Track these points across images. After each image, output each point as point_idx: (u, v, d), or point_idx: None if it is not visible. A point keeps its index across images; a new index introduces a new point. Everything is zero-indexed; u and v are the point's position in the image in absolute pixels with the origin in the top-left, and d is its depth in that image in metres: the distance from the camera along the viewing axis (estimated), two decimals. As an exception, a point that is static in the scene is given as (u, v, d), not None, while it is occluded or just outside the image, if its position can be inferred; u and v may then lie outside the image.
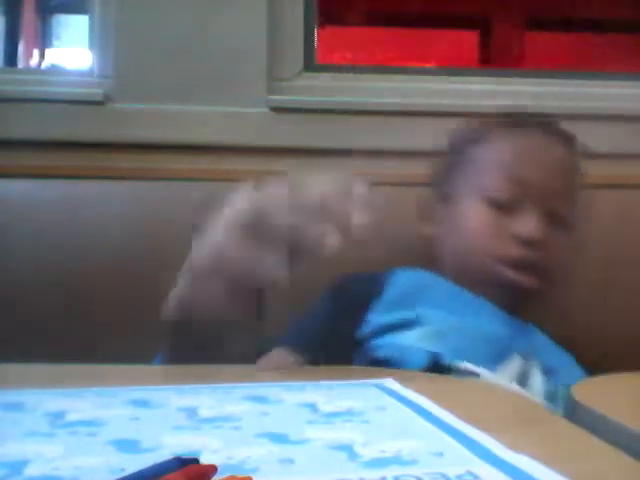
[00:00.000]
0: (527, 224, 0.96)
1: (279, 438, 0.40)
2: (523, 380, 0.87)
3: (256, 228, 0.61)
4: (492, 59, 5.50)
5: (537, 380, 0.88)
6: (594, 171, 0.97)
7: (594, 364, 0.83)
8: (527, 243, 0.95)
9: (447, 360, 0.82)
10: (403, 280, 0.97)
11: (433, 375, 0.65)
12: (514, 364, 0.89)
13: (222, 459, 0.37)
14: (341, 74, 1.39)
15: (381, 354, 0.88)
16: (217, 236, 0.64)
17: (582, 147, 1.00)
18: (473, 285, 0.97)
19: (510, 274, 0.95)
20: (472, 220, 0.99)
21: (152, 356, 0.75)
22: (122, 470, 0.35)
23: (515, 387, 0.82)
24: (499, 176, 0.99)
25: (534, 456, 0.36)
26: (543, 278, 0.97)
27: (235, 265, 0.63)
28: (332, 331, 0.94)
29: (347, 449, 0.38)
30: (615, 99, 1.38)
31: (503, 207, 0.97)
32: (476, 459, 0.37)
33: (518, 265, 0.95)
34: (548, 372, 0.89)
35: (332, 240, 0.59)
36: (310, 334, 0.94)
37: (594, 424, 0.44)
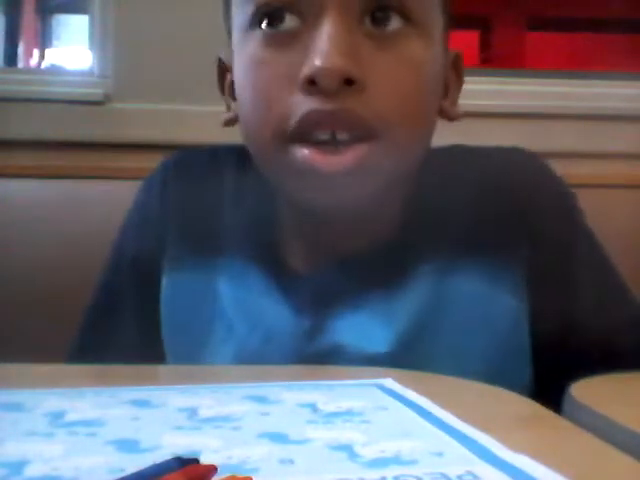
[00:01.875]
0: (315, 48, 0.58)
1: (279, 438, 0.40)
2: None
3: None
4: (492, 59, 5.51)
5: None
6: (591, 171, 0.97)
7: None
8: (317, 84, 0.58)
9: None
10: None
11: (433, 375, 0.65)
12: None
13: (222, 459, 0.37)
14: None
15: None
16: None
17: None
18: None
19: (303, 155, 0.60)
20: (244, 70, 0.64)
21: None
22: (122, 470, 0.35)
23: None
24: None
25: (534, 456, 0.36)
26: (370, 144, 0.61)
27: None
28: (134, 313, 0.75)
29: (347, 449, 0.38)
30: (615, 99, 1.38)
31: (286, 35, 0.61)
32: (476, 459, 0.37)
33: (308, 131, 0.60)
34: None
35: None
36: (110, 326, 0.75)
37: (594, 424, 0.44)
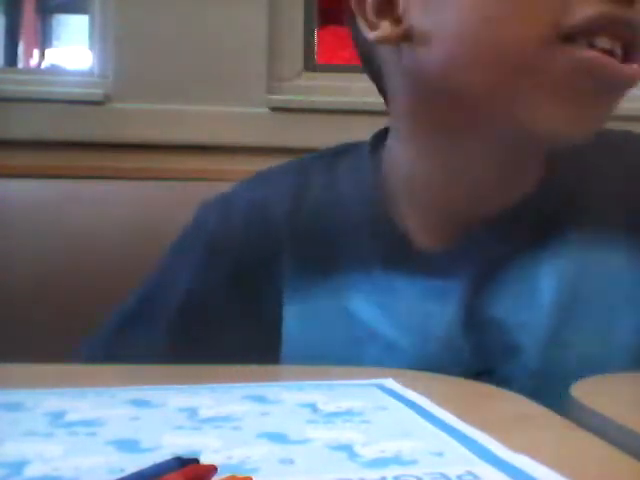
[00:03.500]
0: None
1: (279, 438, 0.40)
2: None
3: None
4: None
5: None
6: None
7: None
8: None
9: None
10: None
11: (433, 375, 0.65)
12: None
13: (222, 459, 0.37)
14: (341, 74, 1.39)
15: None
16: None
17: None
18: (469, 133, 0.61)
19: (587, 56, 0.55)
20: None
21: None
22: (122, 470, 0.35)
23: None
24: None
25: (534, 456, 0.36)
26: None
27: None
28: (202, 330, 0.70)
29: (347, 449, 0.38)
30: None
31: None
32: (476, 459, 0.37)
33: (588, 35, 0.55)
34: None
35: None
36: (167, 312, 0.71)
37: (594, 424, 0.44)
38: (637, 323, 0.63)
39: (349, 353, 0.65)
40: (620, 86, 0.57)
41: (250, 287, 0.69)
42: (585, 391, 0.51)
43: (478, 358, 0.63)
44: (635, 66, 0.56)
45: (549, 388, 0.57)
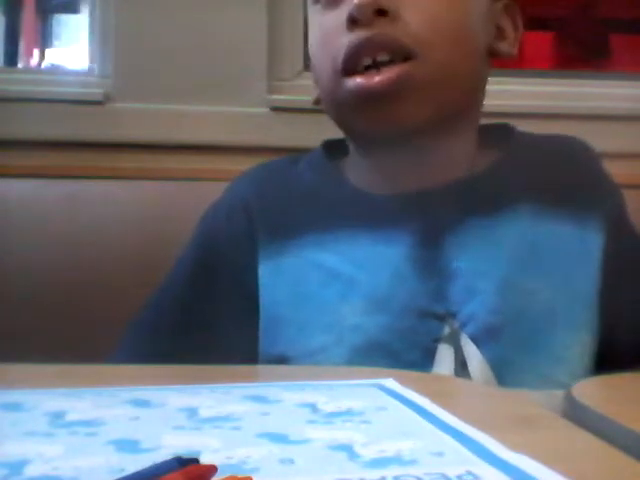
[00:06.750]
0: None
1: (279, 438, 0.40)
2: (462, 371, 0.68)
3: None
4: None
5: (475, 362, 0.68)
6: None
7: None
8: (355, 21, 0.71)
9: None
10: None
11: (433, 375, 0.65)
12: (444, 357, 0.69)
13: (222, 459, 0.37)
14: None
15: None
16: None
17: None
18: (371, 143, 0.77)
19: (351, 83, 0.72)
20: (311, 39, 0.79)
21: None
22: (122, 470, 0.35)
23: None
24: None
25: (534, 456, 0.36)
26: (411, 63, 0.71)
27: None
28: (199, 301, 0.78)
29: (347, 449, 0.38)
30: (615, 99, 1.38)
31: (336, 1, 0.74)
32: (476, 459, 0.37)
33: (354, 62, 0.72)
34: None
35: None
36: (168, 310, 0.79)
37: (594, 424, 0.44)
38: (588, 279, 0.74)
39: (315, 292, 0.74)
40: (378, 94, 0.71)
41: (232, 261, 0.78)
42: (585, 391, 0.51)
43: (441, 303, 0.71)
44: (382, 76, 0.70)
45: (512, 329, 0.70)
